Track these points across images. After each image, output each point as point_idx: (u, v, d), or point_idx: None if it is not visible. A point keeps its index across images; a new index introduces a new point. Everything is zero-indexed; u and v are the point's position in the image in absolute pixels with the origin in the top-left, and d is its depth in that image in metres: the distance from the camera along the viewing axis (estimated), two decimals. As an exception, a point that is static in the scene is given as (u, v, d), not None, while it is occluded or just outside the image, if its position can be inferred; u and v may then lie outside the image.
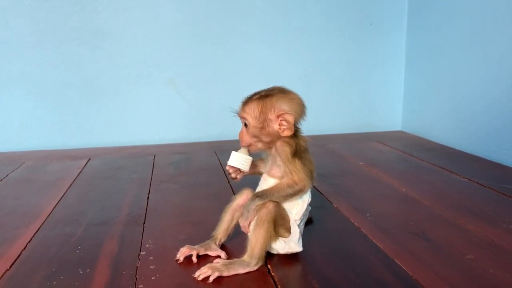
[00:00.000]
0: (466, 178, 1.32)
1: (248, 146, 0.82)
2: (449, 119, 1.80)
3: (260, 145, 0.81)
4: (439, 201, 1.13)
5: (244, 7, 1.94)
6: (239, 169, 0.82)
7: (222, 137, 2.00)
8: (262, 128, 0.79)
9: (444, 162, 1.50)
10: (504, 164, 1.48)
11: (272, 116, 0.79)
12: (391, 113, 2.17)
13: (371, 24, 2.03)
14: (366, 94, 2.13)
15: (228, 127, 1.99)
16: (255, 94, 0.81)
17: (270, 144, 0.81)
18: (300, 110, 0.80)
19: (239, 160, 0.81)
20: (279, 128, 0.79)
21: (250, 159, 0.82)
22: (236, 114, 0.82)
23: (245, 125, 0.81)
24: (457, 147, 1.72)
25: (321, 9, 2.01)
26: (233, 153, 0.82)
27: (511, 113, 1.48)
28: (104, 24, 1.85)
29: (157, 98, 1.94)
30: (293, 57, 2.03)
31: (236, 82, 1.98)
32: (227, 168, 0.83)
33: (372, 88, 2.13)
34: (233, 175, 0.83)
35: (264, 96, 0.79)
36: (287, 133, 0.79)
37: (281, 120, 0.78)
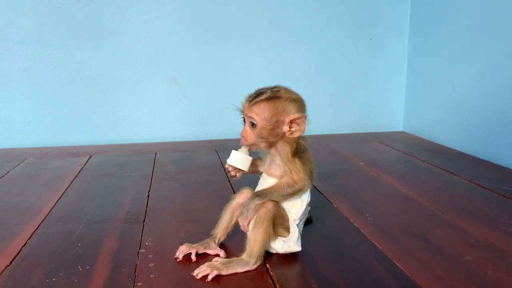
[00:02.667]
0: (467, 180, 1.32)
1: (250, 146, 0.81)
2: (451, 120, 1.79)
3: (263, 145, 0.80)
4: (439, 202, 1.13)
5: (248, 5, 1.94)
6: (238, 168, 0.83)
7: (223, 136, 2.00)
8: (272, 129, 0.79)
9: (445, 163, 1.50)
10: (505, 166, 1.47)
11: (283, 118, 0.78)
12: (392, 114, 2.16)
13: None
14: (368, 94, 2.13)
15: (229, 126, 1.99)
16: (260, 93, 0.79)
17: (272, 144, 0.81)
18: (305, 111, 0.80)
19: (238, 160, 0.81)
20: (289, 130, 0.79)
21: (250, 159, 0.82)
22: (240, 112, 0.81)
23: (252, 124, 0.79)
24: (458, 148, 1.72)
25: (324, 9, 2.00)
26: (233, 152, 0.81)
27: (513, 114, 1.48)
28: (107, 22, 1.85)
29: (159, 96, 1.95)
30: (296, 57, 2.03)
31: (238, 81, 1.98)
32: (226, 166, 0.83)
33: (374, 89, 2.13)
34: (232, 173, 0.83)
35: (273, 97, 0.78)
36: (297, 134, 0.79)
37: (292, 122, 0.78)
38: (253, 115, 0.78)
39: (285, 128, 0.79)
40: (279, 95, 0.79)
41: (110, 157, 1.66)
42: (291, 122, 0.78)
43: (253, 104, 0.79)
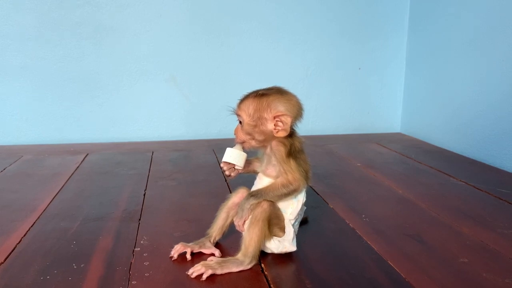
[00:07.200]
0: (463, 182, 1.32)
1: (242, 143, 0.82)
2: (448, 122, 1.80)
3: (253, 142, 0.81)
4: (435, 204, 1.13)
5: (247, 5, 1.94)
6: (233, 166, 0.83)
7: (221, 135, 2.00)
8: (256, 126, 0.79)
9: (442, 165, 1.50)
10: (502, 168, 1.48)
11: (267, 115, 0.79)
12: (390, 115, 2.17)
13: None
14: (366, 95, 2.13)
15: (227, 125, 1.99)
16: (252, 92, 0.81)
17: (264, 143, 0.81)
18: (297, 111, 0.80)
19: (233, 156, 0.81)
20: (274, 129, 0.79)
21: (244, 155, 0.82)
22: (233, 112, 0.83)
23: (240, 122, 0.81)
24: (456, 151, 1.72)
25: (324, 10, 2.01)
26: (228, 149, 0.82)
27: (510, 118, 1.48)
28: (106, 20, 1.85)
29: (158, 95, 1.95)
30: (295, 57, 2.03)
31: (236, 80, 1.98)
32: (221, 165, 0.83)
33: (372, 90, 2.13)
34: (227, 172, 0.83)
35: (261, 95, 0.79)
36: (282, 134, 0.79)
37: (277, 120, 0.78)
38: (240, 112, 0.81)
39: (270, 126, 0.79)
40: (268, 93, 0.79)
41: (107, 155, 1.66)
42: (276, 120, 0.78)
43: (240, 102, 0.81)
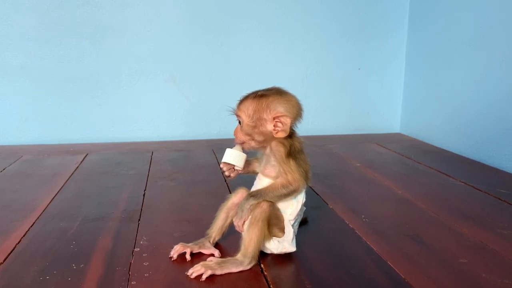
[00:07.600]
0: (463, 182, 1.32)
1: (242, 144, 0.82)
2: (448, 122, 1.80)
3: (253, 143, 0.81)
4: (435, 204, 1.13)
5: (247, 5, 1.94)
6: (233, 167, 0.83)
7: (220, 135, 2.00)
8: (255, 127, 0.79)
9: (441, 166, 1.50)
10: (501, 169, 1.48)
11: (267, 116, 0.79)
12: (390, 116, 2.17)
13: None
14: (366, 96, 2.13)
15: (226, 126, 1.99)
16: (252, 93, 0.81)
17: (264, 144, 0.81)
18: (296, 112, 0.80)
19: (232, 157, 0.81)
20: (273, 129, 0.79)
21: (244, 156, 0.82)
22: (232, 113, 0.83)
23: (240, 122, 0.82)
24: (455, 151, 1.72)
25: (324, 10, 2.01)
26: (227, 150, 0.82)
27: (510, 118, 1.48)
28: (106, 19, 1.85)
29: (157, 94, 1.95)
30: (294, 57, 2.03)
31: (236, 80, 1.98)
32: (221, 165, 0.83)
33: (372, 90, 2.13)
34: (227, 173, 0.83)
35: (260, 95, 0.80)
36: (281, 135, 0.79)
37: (276, 121, 0.78)
38: (239, 113, 0.81)
39: (270, 126, 0.79)
40: (267, 94, 0.79)
41: (106, 155, 1.66)
42: (275, 121, 0.78)
43: (240, 103, 0.81)
